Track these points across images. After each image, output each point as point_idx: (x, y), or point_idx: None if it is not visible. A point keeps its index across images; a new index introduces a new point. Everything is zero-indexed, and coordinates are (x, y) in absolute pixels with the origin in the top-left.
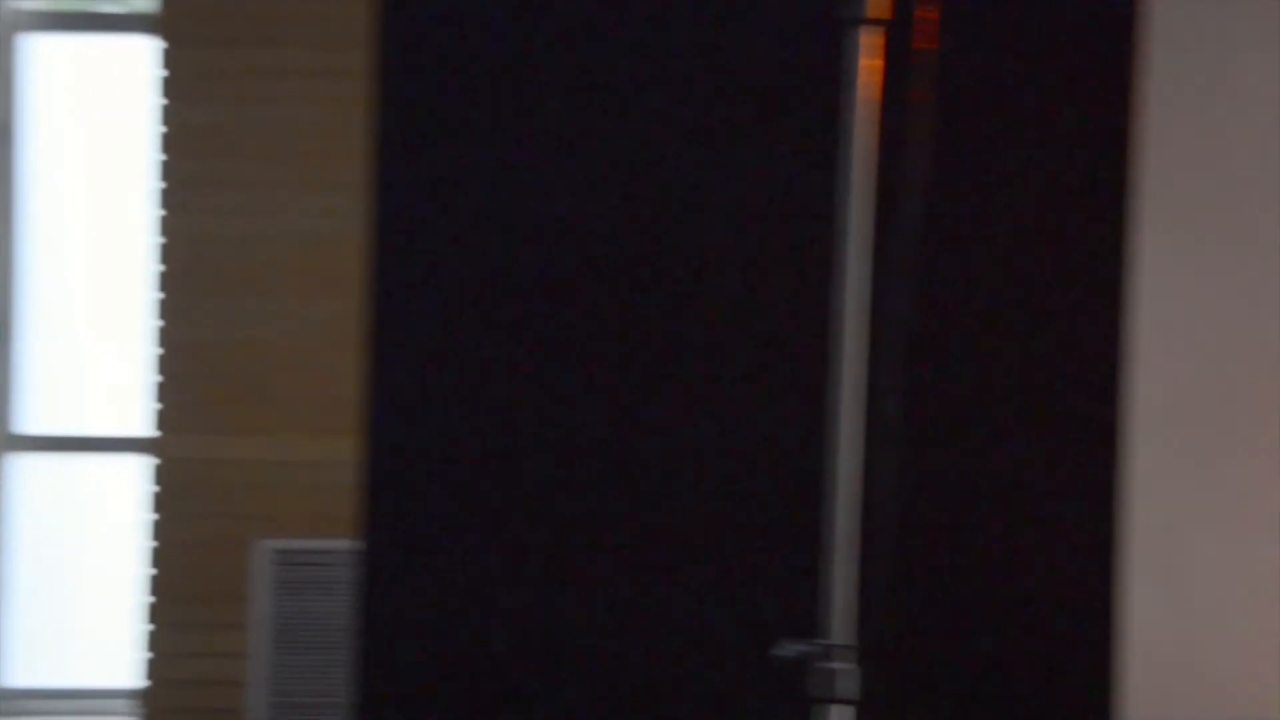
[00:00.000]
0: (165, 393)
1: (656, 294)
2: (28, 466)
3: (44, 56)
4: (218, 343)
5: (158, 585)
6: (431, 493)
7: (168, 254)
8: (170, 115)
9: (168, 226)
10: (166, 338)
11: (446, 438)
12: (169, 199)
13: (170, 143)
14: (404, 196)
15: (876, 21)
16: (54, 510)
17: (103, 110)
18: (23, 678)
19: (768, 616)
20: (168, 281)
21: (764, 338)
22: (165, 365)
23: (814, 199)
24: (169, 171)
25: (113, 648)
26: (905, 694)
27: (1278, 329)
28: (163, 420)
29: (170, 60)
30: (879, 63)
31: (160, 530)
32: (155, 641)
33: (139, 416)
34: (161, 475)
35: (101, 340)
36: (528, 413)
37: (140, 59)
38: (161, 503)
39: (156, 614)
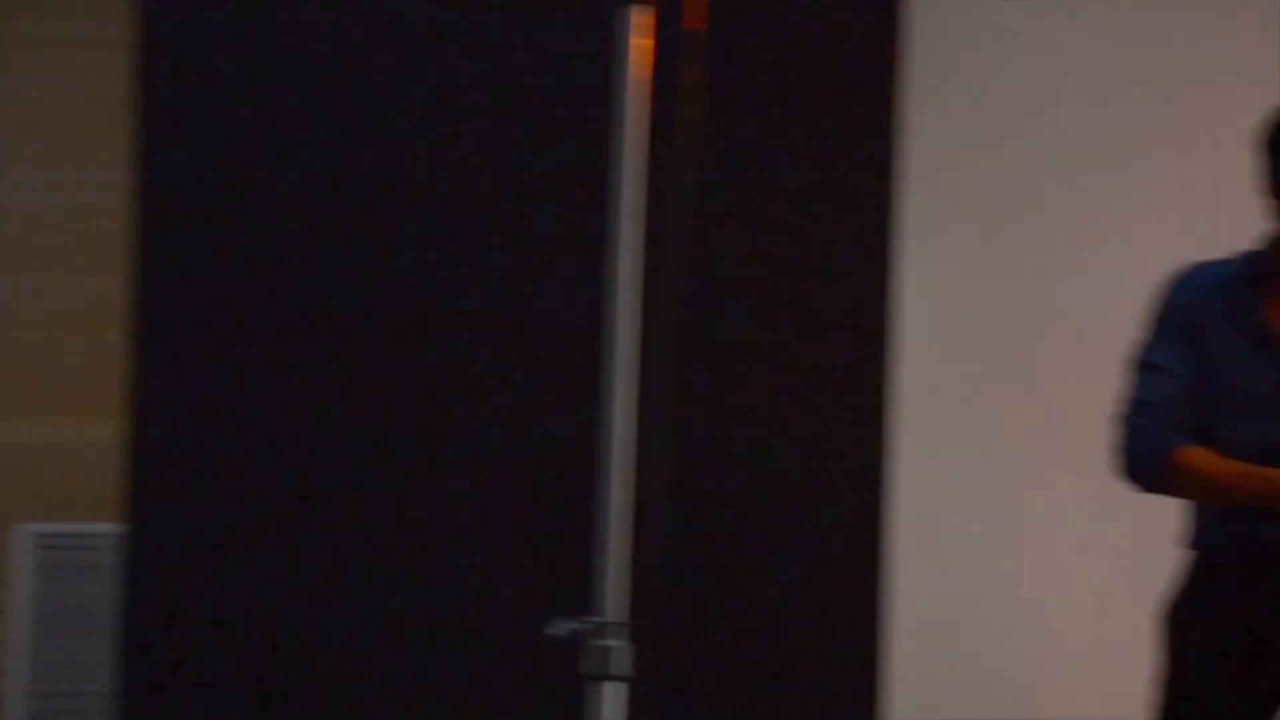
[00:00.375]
0: None
1: (428, 275)
2: None
3: None
4: None
5: None
6: (198, 476)
7: None
8: None
9: None
10: None
11: (213, 420)
12: None
13: None
14: (168, 171)
15: (646, 1)
16: None
17: None
18: None
19: (543, 596)
20: None
21: (537, 320)
22: None
23: (590, 182)
24: None
25: None
26: (678, 670)
27: (1036, 306)
28: None
29: None
30: (649, 42)
31: None
32: None
33: None
34: None
35: None
36: (296, 396)
37: None
38: None
39: None
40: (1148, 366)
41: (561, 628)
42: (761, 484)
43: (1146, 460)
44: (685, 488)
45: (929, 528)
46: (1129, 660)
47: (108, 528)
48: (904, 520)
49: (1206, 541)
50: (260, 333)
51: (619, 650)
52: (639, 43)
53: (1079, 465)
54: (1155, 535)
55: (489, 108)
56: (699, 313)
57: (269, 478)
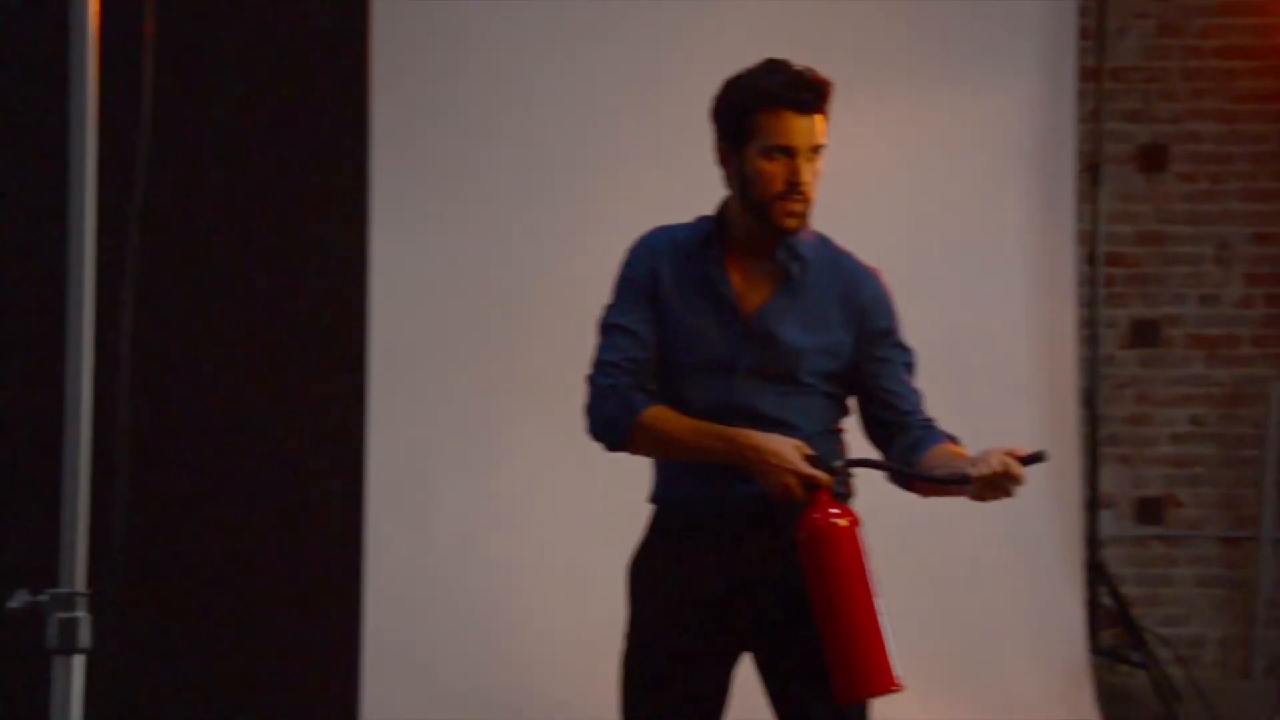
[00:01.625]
0: None
1: None
2: None
3: None
4: None
5: None
6: None
7: None
8: None
9: None
10: None
11: None
12: None
13: None
14: None
15: None
16: None
17: None
18: None
19: (5, 569)
20: None
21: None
22: None
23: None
24: None
25: None
26: (144, 642)
27: (512, 269)
28: None
29: None
30: None
31: None
32: None
33: None
34: None
35: None
36: None
37: None
38: None
39: None
40: (613, 328)
41: (20, 600)
42: (237, 453)
43: (613, 420)
44: (156, 458)
45: (409, 492)
46: (608, 616)
47: None
48: (384, 486)
49: (667, 496)
50: None
51: (78, 622)
52: None
53: (558, 425)
54: (633, 492)
55: None
56: (166, 278)
57: None
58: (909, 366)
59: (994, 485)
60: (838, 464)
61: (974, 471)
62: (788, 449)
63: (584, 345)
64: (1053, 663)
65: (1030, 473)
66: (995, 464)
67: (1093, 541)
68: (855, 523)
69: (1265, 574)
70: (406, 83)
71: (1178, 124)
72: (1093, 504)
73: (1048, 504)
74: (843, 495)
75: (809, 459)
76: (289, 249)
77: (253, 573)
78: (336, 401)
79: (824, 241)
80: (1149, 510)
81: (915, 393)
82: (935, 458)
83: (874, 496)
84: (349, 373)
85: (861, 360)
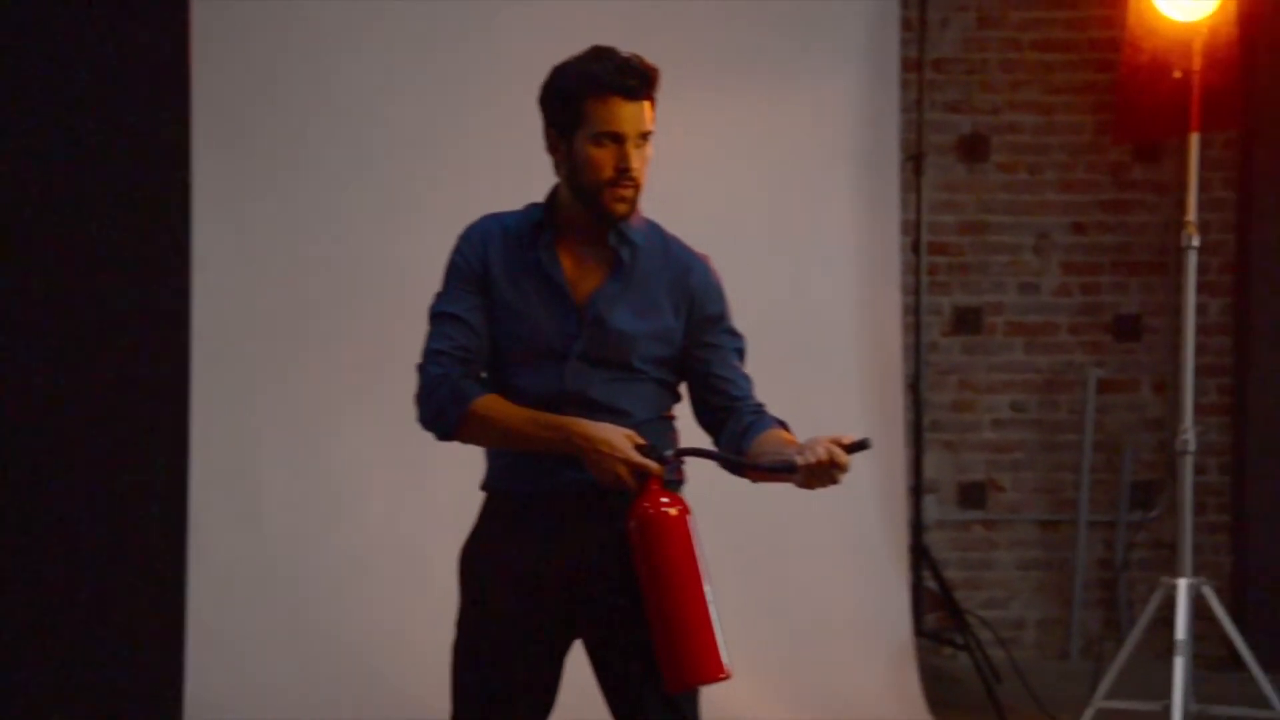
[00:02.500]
0: None
1: None
2: None
3: None
4: None
5: None
6: None
7: None
8: None
9: None
10: None
11: None
12: None
13: None
14: None
15: None
16: None
17: None
18: None
19: None
20: None
21: None
22: None
23: None
24: None
25: None
26: None
27: (341, 257)
28: None
29: None
30: None
31: None
32: None
33: None
34: None
35: None
36: None
37: None
38: None
39: None
40: (443, 316)
41: None
42: (58, 444)
43: (443, 409)
44: None
45: (235, 481)
46: (441, 606)
47: None
48: (208, 475)
49: (499, 484)
50: None
51: None
52: None
53: (387, 413)
54: (465, 480)
55: None
56: None
57: None
58: (739, 352)
59: (820, 474)
60: (668, 453)
61: (800, 460)
62: (619, 438)
63: (413, 333)
64: (878, 645)
65: (856, 458)
66: (821, 453)
67: (917, 526)
68: (685, 511)
69: (1082, 557)
70: (228, 68)
71: (997, 115)
72: (917, 489)
73: (873, 489)
74: (674, 483)
75: (640, 448)
76: (110, 238)
77: (73, 566)
78: (159, 390)
79: (654, 227)
80: (971, 495)
81: (745, 379)
82: (765, 444)
83: (704, 482)
84: (171, 361)
85: (692, 346)
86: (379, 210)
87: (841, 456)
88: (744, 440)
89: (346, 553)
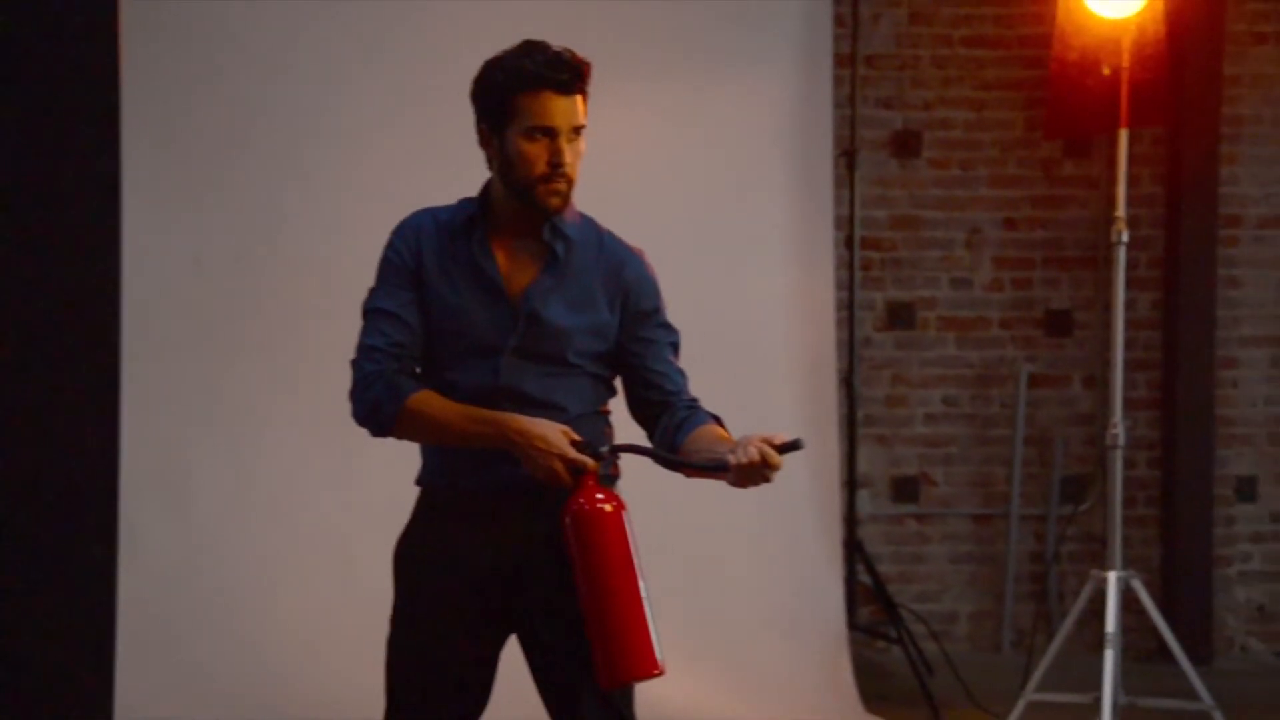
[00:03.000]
0: None
1: None
2: None
3: None
4: None
5: None
6: None
7: None
8: None
9: None
10: None
11: None
12: None
13: None
14: None
15: None
16: None
17: None
18: None
19: None
20: None
21: None
22: None
23: None
24: None
25: None
26: None
27: (274, 252)
28: None
29: None
30: None
31: None
32: None
33: None
34: None
35: None
36: None
37: None
38: None
39: None
40: (377, 312)
41: None
42: None
43: (378, 405)
44: None
45: (165, 479)
46: (376, 603)
47: None
48: (139, 473)
49: (434, 479)
50: None
51: None
52: None
53: (320, 409)
54: (399, 476)
55: None
56: None
57: None
58: (674, 347)
59: (752, 473)
60: (604, 449)
61: (733, 460)
62: (554, 434)
63: (345, 328)
64: (812, 639)
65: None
66: (753, 453)
67: (850, 520)
68: (620, 507)
69: (1014, 550)
70: (165, 66)
71: (929, 111)
72: (850, 483)
73: (807, 484)
74: (609, 479)
75: (575, 444)
76: (37, 235)
77: (0, 564)
78: (88, 388)
79: (588, 222)
80: (904, 489)
81: (680, 373)
82: (699, 440)
83: (638, 478)
84: (101, 359)
85: (626, 340)
86: (310, 208)
87: (773, 456)
88: (678, 436)
89: (278, 550)
